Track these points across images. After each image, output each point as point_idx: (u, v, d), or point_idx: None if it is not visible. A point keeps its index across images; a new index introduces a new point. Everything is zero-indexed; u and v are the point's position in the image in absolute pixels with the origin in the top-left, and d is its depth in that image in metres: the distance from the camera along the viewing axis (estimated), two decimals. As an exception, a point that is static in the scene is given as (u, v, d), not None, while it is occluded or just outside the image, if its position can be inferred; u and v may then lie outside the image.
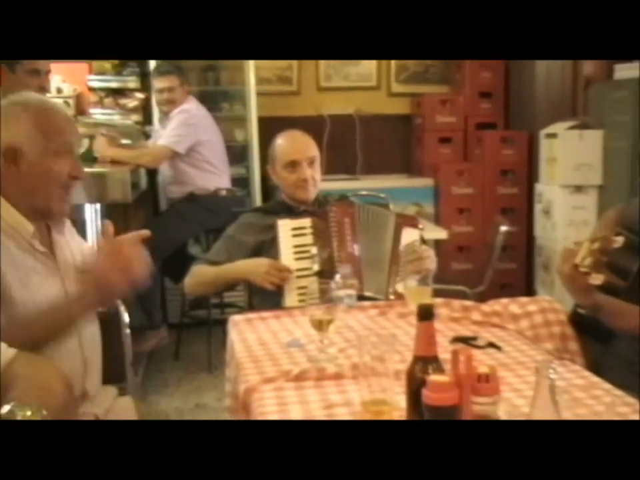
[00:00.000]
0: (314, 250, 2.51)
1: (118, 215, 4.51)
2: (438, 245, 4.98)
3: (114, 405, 2.06)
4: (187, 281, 2.69)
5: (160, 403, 3.73)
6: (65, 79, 4.96)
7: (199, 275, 2.66)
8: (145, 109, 4.92)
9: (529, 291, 4.86)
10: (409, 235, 2.61)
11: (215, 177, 4.42)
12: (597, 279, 1.86)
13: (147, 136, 4.71)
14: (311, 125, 4.82)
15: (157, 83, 4.40)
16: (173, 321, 4.68)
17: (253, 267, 2.52)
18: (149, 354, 4.26)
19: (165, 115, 4.45)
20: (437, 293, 2.75)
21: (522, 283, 5.11)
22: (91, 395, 1.92)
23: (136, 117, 4.97)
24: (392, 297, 2.51)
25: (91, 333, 1.95)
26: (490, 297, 2.32)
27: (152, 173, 4.67)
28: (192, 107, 4.38)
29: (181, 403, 3.75)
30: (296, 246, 2.52)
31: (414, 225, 2.67)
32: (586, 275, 1.86)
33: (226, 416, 2.01)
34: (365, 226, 2.59)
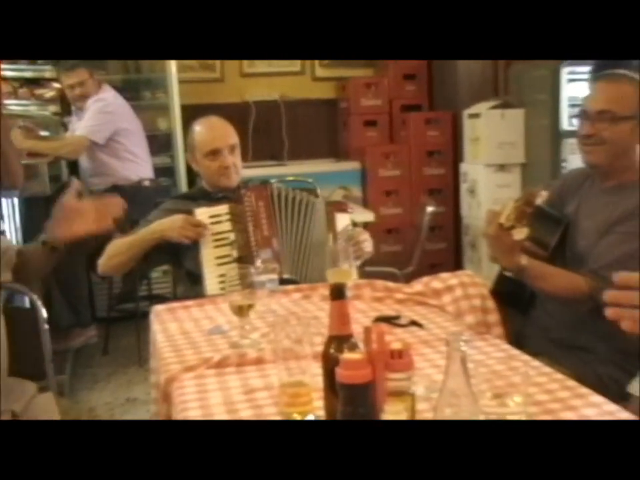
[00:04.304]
0: (232, 236, 2.49)
1: (38, 209, 4.39)
2: (366, 227, 5.00)
3: (33, 402, 2.02)
4: (101, 259, 2.59)
5: (90, 399, 3.67)
6: (-24, 70, 4.79)
7: (113, 248, 2.57)
8: (62, 100, 4.77)
9: (458, 270, 4.90)
10: (341, 220, 2.60)
11: (137, 166, 4.34)
12: (521, 233, 1.90)
13: (66, 127, 4.58)
14: (236, 112, 4.78)
15: (66, 80, 4.28)
16: (101, 315, 4.59)
17: (168, 224, 2.49)
18: (77, 350, 4.18)
19: (79, 109, 4.34)
20: (366, 275, 2.76)
21: (451, 262, 5.16)
22: None
23: (54, 108, 4.80)
24: None
25: None
26: (419, 277, 2.32)
27: (73, 165, 4.55)
28: (108, 96, 4.28)
29: (111, 398, 3.68)
30: (215, 234, 2.49)
31: (344, 210, 2.66)
32: (510, 231, 1.89)
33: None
34: (282, 209, 2.57)
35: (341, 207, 2.69)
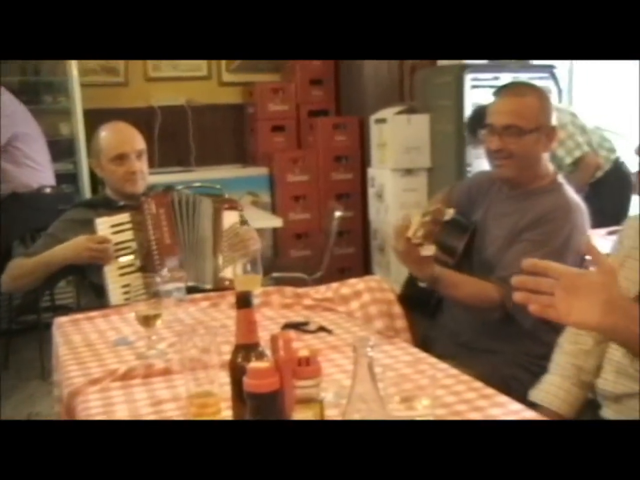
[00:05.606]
0: (135, 245, 2.45)
1: None
2: (275, 233, 5.01)
3: None
4: (3, 277, 2.55)
5: (-11, 416, 3.51)
6: None
7: (16, 268, 2.53)
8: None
9: (367, 274, 4.93)
10: (228, 218, 2.58)
11: (37, 173, 4.18)
12: (429, 250, 1.94)
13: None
14: (141, 117, 4.70)
15: None
16: (1, 327, 4.41)
17: (73, 249, 2.43)
18: (-26, 365, 4.02)
19: None
20: (276, 281, 2.73)
21: (360, 266, 5.21)
22: None
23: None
24: (227, 282, 2.47)
25: None
26: (328, 282, 2.33)
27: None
28: (4, 99, 4.10)
29: (12, 414, 3.53)
30: (117, 243, 2.44)
31: (233, 207, 2.64)
32: (419, 247, 1.92)
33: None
34: (184, 214, 2.54)
35: (230, 204, 2.66)
